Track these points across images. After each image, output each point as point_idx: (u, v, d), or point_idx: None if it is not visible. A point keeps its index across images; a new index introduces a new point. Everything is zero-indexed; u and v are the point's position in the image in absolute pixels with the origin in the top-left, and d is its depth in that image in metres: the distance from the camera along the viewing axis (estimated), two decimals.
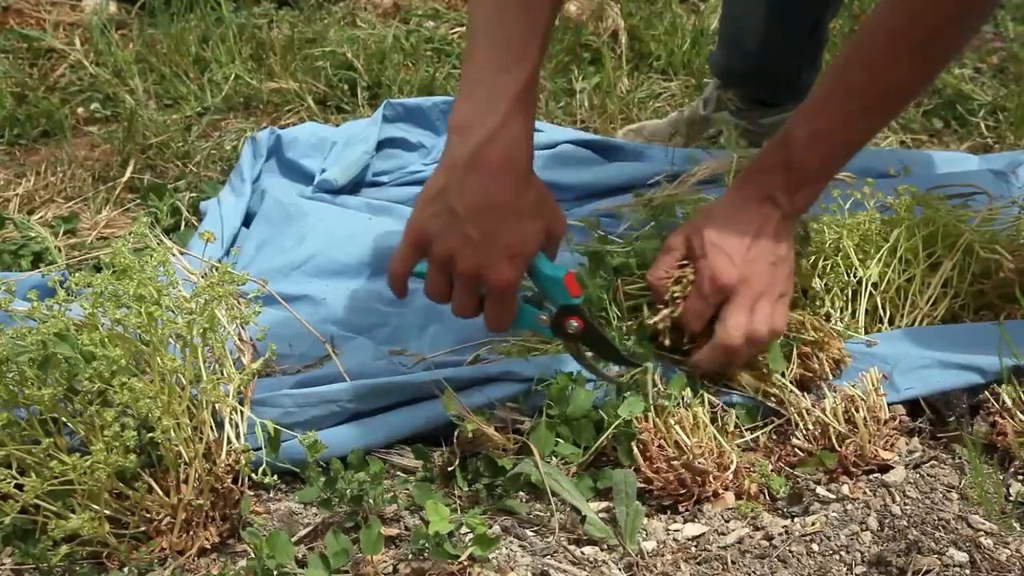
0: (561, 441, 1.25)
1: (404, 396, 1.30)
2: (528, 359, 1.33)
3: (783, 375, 1.31)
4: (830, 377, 1.34)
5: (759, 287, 1.27)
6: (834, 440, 1.25)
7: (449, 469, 1.24)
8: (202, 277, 1.33)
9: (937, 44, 1.27)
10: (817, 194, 1.33)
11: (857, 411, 1.26)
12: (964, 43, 1.40)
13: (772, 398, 1.31)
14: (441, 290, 1.23)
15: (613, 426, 1.23)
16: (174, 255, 1.34)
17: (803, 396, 1.30)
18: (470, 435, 1.23)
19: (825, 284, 1.46)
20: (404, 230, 1.24)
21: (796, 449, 1.27)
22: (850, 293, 1.46)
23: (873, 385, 1.29)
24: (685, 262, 1.32)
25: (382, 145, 2.05)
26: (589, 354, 1.29)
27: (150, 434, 1.09)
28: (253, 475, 1.16)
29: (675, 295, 1.31)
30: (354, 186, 1.96)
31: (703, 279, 1.28)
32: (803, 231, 1.46)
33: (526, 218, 1.20)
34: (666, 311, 1.31)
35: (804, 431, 1.28)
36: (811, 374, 1.34)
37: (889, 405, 1.30)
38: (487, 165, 1.18)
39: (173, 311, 1.16)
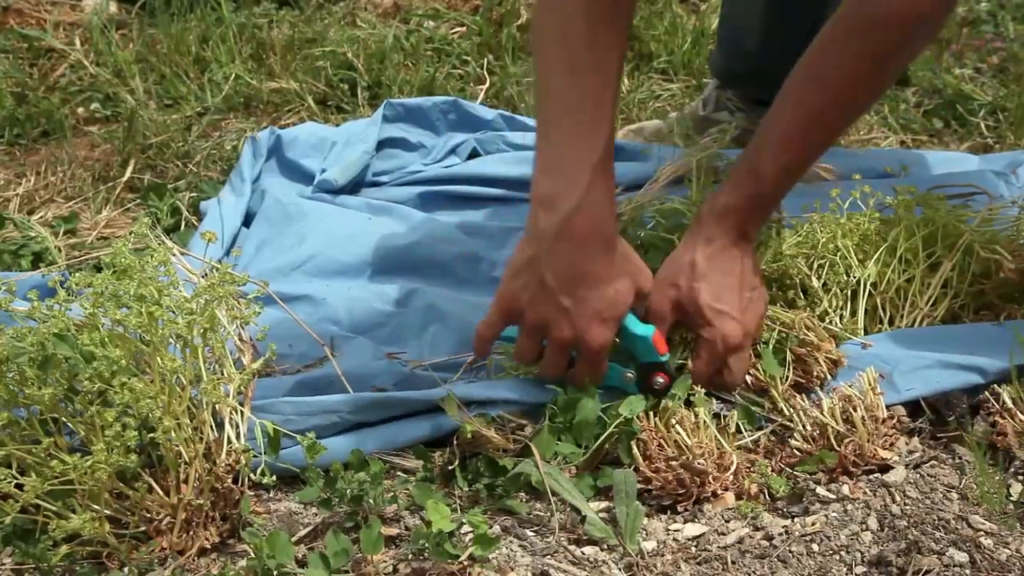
0: (561, 440, 1.25)
1: (405, 410, 1.30)
2: (543, 386, 1.31)
3: (781, 381, 1.31)
4: (828, 378, 1.34)
5: (755, 328, 1.33)
6: (833, 440, 1.25)
7: (449, 469, 1.24)
8: (202, 277, 1.33)
9: (894, 61, 1.30)
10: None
11: (855, 410, 1.26)
12: (915, 57, 1.42)
13: (768, 406, 1.32)
14: (532, 355, 1.28)
15: (614, 424, 1.23)
16: (174, 255, 1.34)
17: (800, 399, 1.30)
18: (469, 436, 1.23)
19: (824, 284, 1.46)
20: (494, 300, 1.28)
21: (795, 450, 1.27)
22: (849, 293, 1.46)
23: (870, 384, 1.29)
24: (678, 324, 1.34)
25: (382, 145, 2.05)
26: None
27: (151, 434, 1.09)
28: (253, 475, 1.16)
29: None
30: (354, 186, 1.96)
31: (715, 345, 1.29)
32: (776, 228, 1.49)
33: (615, 281, 1.23)
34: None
35: (803, 431, 1.28)
36: (807, 377, 1.34)
37: (889, 406, 1.30)
38: (575, 235, 1.21)
39: (174, 311, 1.16)
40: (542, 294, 1.22)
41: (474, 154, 2.05)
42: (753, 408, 1.31)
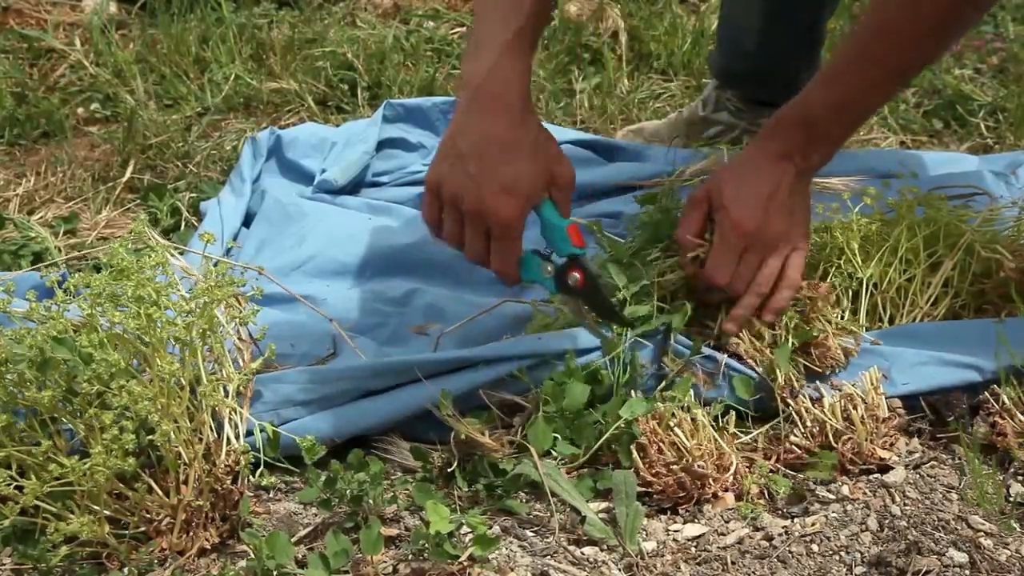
0: (560, 440, 1.25)
1: (417, 376, 1.30)
2: (540, 337, 1.34)
3: (793, 370, 1.32)
4: (840, 365, 1.34)
5: (775, 237, 1.34)
6: (831, 438, 1.25)
7: (449, 469, 1.24)
8: (202, 277, 1.33)
9: (960, 13, 1.30)
10: (831, 155, 1.38)
11: (855, 409, 1.26)
12: (983, 13, 1.43)
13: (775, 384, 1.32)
14: (454, 233, 1.31)
15: (614, 426, 1.23)
16: (173, 255, 1.34)
17: (803, 391, 1.30)
18: (464, 438, 1.23)
19: (831, 284, 1.47)
20: (424, 184, 1.32)
21: (794, 446, 1.27)
22: (850, 294, 1.46)
23: (872, 384, 1.29)
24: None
25: (382, 145, 2.05)
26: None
27: (150, 436, 1.09)
28: (252, 476, 1.16)
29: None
30: (354, 186, 1.96)
31: (725, 228, 1.33)
32: None
33: (523, 155, 1.26)
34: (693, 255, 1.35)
35: (802, 428, 1.28)
36: (822, 361, 1.34)
37: (886, 399, 1.30)
38: (482, 103, 1.27)
39: (172, 311, 1.16)
40: (456, 165, 1.26)
41: None
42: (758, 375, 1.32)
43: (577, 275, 1.28)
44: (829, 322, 1.37)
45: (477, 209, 1.25)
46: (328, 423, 1.25)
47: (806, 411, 1.28)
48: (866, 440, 1.24)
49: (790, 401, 1.30)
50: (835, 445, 1.24)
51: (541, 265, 1.30)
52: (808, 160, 1.36)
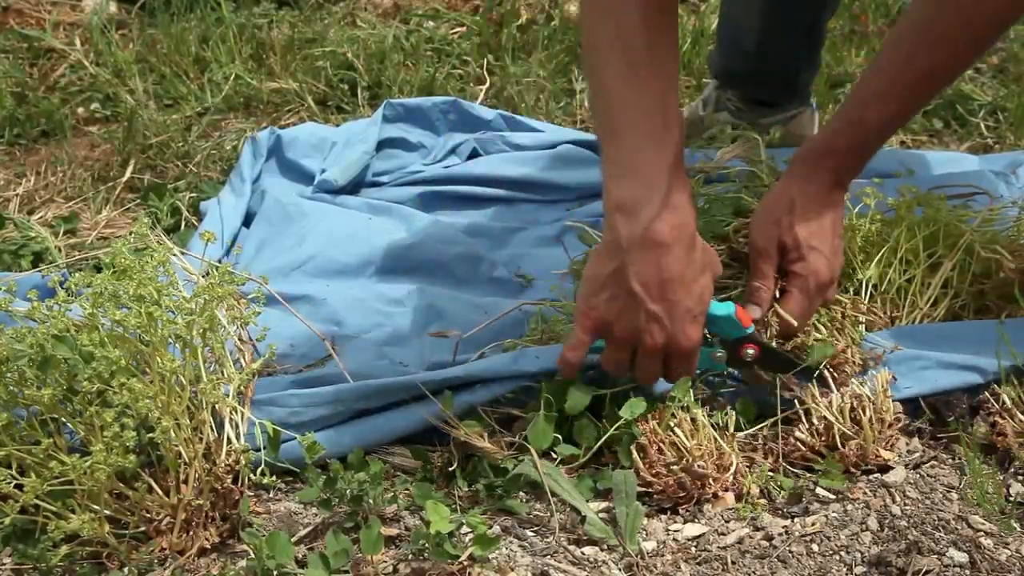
0: (560, 441, 1.25)
1: (407, 395, 1.30)
2: (538, 356, 1.33)
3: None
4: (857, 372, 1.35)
5: (838, 274, 1.37)
6: (838, 440, 1.24)
7: (449, 469, 1.24)
8: (202, 277, 1.33)
9: (1008, 17, 1.31)
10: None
11: (864, 411, 1.25)
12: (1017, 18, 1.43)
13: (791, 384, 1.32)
14: (623, 365, 1.24)
15: (615, 426, 1.23)
16: (174, 255, 1.34)
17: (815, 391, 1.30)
18: (463, 439, 1.23)
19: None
20: (576, 320, 1.23)
21: (799, 443, 1.26)
22: (851, 294, 1.46)
23: (882, 387, 1.28)
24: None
25: (382, 145, 2.05)
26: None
27: (150, 434, 1.09)
28: (252, 475, 1.16)
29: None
30: (354, 186, 1.96)
31: (807, 281, 1.32)
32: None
33: (700, 278, 1.22)
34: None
35: (808, 426, 1.27)
36: (841, 371, 1.34)
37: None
38: (660, 241, 1.18)
39: (173, 311, 1.16)
40: (631, 305, 1.19)
41: (474, 154, 2.05)
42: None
43: (752, 350, 1.27)
44: (853, 339, 1.36)
45: (663, 344, 1.20)
46: (323, 443, 1.24)
47: (814, 408, 1.28)
48: (872, 443, 1.24)
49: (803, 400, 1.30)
50: (841, 447, 1.24)
51: (710, 354, 1.28)
52: (852, 179, 1.39)
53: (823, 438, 1.26)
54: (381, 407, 1.30)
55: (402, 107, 2.12)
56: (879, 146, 1.39)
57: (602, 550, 1.13)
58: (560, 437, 1.25)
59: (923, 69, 1.31)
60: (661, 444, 1.22)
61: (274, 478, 1.17)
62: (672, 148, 1.20)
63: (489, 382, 1.30)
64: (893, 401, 1.31)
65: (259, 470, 1.16)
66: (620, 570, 1.11)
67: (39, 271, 1.70)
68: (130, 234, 1.34)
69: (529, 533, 1.16)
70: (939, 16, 1.29)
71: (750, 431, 1.29)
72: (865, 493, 1.20)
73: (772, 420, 1.29)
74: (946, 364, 1.34)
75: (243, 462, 1.16)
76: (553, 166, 1.97)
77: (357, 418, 1.30)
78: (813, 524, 1.16)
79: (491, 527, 1.16)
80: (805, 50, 1.99)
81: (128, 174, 2.07)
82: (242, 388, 1.24)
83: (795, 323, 1.32)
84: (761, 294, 1.33)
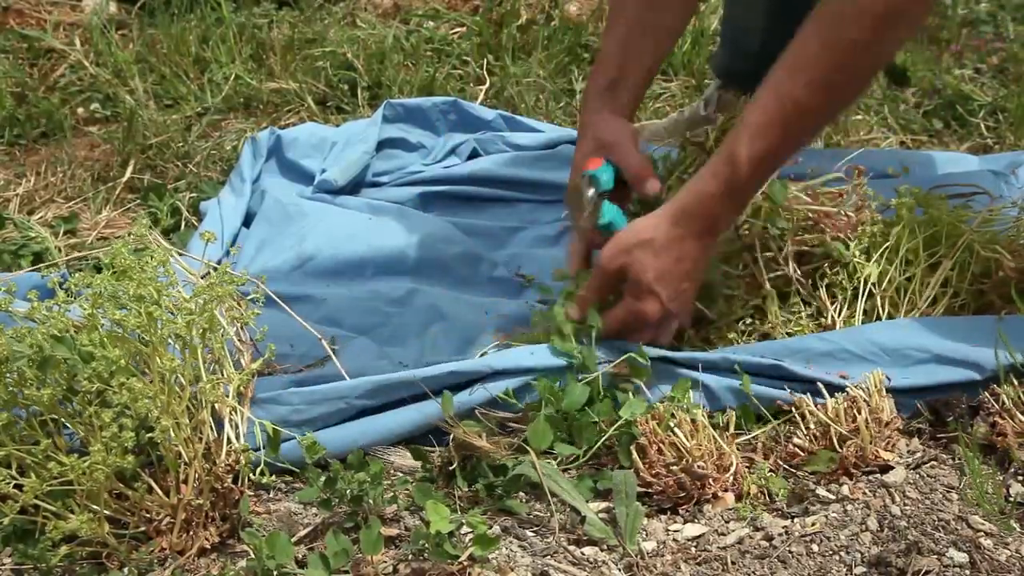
0: (559, 441, 1.25)
1: (408, 392, 1.30)
2: (533, 352, 1.34)
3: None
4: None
5: (677, 311, 1.38)
6: (835, 441, 1.25)
7: (450, 469, 1.24)
8: (202, 278, 1.33)
9: (870, 50, 1.29)
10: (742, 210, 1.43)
11: (859, 413, 1.25)
12: (895, 48, 1.42)
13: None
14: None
15: (615, 426, 1.23)
16: (173, 256, 1.34)
17: (808, 400, 1.30)
18: (462, 439, 1.23)
19: (827, 285, 1.47)
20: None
21: (797, 448, 1.27)
22: (849, 294, 1.46)
23: (876, 386, 1.28)
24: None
25: (382, 145, 2.05)
26: None
27: (149, 434, 1.09)
28: (252, 475, 1.16)
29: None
30: (354, 186, 1.96)
31: (629, 316, 1.36)
32: (736, 232, 1.51)
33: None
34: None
35: (805, 430, 1.28)
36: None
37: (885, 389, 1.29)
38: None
39: (173, 312, 1.16)
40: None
41: (474, 154, 2.05)
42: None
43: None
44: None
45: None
46: (324, 442, 1.25)
47: (810, 413, 1.28)
48: (870, 444, 1.24)
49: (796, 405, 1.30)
50: (839, 449, 1.24)
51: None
52: (730, 221, 1.41)
53: (821, 442, 1.26)
54: (382, 406, 1.30)
55: (402, 107, 2.12)
56: (759, 182, 1.36)
57: (602, 550, 1.13)
58: (561, 432, 1.26)
59: (789, 100, 1.29)
60: (661, 444, 1.22)
61: (274, 478, 1.17)
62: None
63: (488, 377, 1.30)
64: (888, 391, 1.30)
65: (259, 470, 1.16)
66: (620, 570, 1.11)
67: (38, 269, 1.70)
68: (129, 234, 1.34)
69: (529, 533, 1.16)
70: (802, 48, 1.30)
71: (750, 435, 1.29)
72: (865, 493, 1.20)
73: (770, 425, 1.30)
74: (944, 359, 1.34)
75: (243, 462, 1.16)
76: (552, 166, 1.97)
77: (358, 417, 1.30)
78: (813, 524, 1.16)
79: (491, 527, 1.16)
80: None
81: (128, 174, 2.07)
82: (242, 388, 1.24)
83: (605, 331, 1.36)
84: (582, 301, 1.39)
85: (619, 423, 1.23)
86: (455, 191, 1.94)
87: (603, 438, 1.24)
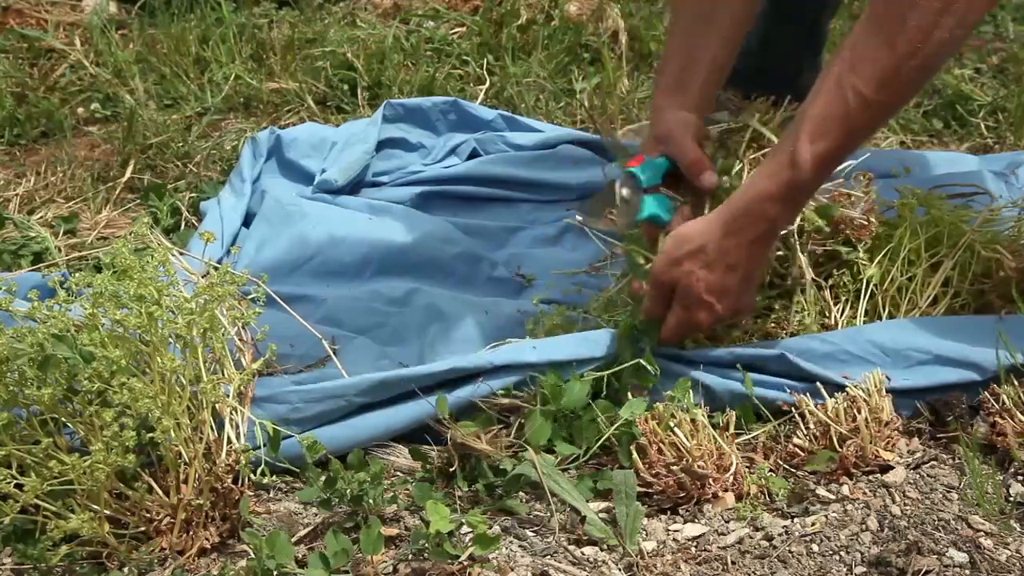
0: (559, 441, 1.25)
1: (407, 389, 1.30)
2: (535, 347, 1.33)
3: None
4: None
5: (730, 316, 1.36)
6: (835, 441, 1.25)
7: (450, 469, 1.24)
8: (202, 278, 1.33)
9: (933, 37, 1.22)
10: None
11: (859, 412, 1.25)
12: (963, 34, 1.36)
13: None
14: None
15: (615, 426, 1.23)
16: (174, 255, 1.34)
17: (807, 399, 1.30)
18: (460, 440, 1.23)
19: (832, 286, 1.47)
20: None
21: (797, 448, 1.27)
22: (852, 295, 1.46)
23: (876, 386, 1.28)
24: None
25: (382, 145, 2.05)
26: None
27: (150, 434, 1.09)
28: (252, 475, 1.16)
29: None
30: (354, 186, 1.96)
31: (684, 326, 1.34)
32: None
33: None
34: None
35: (805, 430, 1.28)
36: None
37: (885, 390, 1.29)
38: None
39: (173, 311, 1.16)
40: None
41: (474, 154, 2.05)
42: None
43: None
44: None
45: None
46: (323, 439, 1.25)
47: (810, 413, 1.28)
48: (870, 443, 1.24)
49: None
50: (839, 449, 1.24)
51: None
52: (789, 223, 1.37)
53: (821, 442, 1.26)
54: (381, 403, 1.30)
55: (402, 107, 2.12)
56: (817, 187, 1.31)
57: (602, 550, 1.13)
58: (561, 430, 1.26)
59: (856, 94, 1.23)
60: (661, 444, 1.22)
61: (274, 478, 1.17)
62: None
63: (489, 373, 1.30)
64: (888, 391, 1.30)
65: (259, 470, 1.16)
66: (620, 570, 1.11)
67: (38, 269, 1.70)
68: (129, 234, 1.34)
69: (529, 533, 1.16)
70: (863, 33, 1.25)
71: (750, 435, 1.29)
72: (865, 493, 1.20)
73: (770, 425, 1.30)
74: (944, 359, 1.34)
75: (243, 462, 1.16)
76: (552, 166, 1.97)
77: (357, 415, 1.30)
78: (813, 524, 1.16)
79: (491, 527, 1.16)
80: (808, 51, 1.99)
81: (128, 174, 2.07)
82: (242, 388, 1.24)
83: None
84: (647, 312, 1.37)
85: (619, 423, 1.23)
86: (455, 191, 1.94)
87: (603, 438, 1.24)
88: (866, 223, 1.45)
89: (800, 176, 1.25)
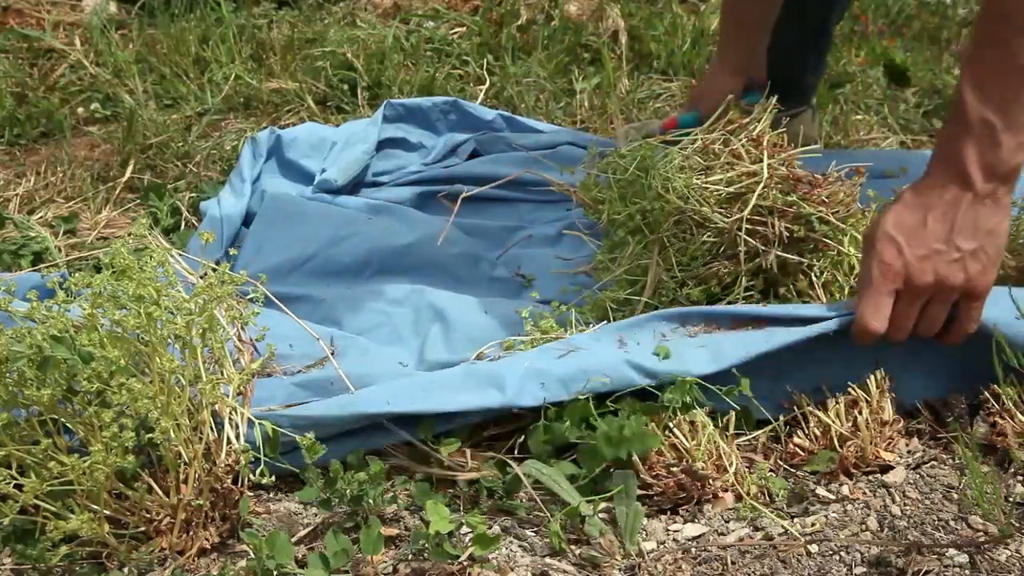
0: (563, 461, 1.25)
1: (385, 419, 1.26)
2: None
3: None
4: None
5: (935, 283, 1.23)
6: (835, 441, 1.25)
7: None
8: (201, 278, 1.33)
9: None
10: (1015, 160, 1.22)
11: (860, 413, 1.26)
12: None
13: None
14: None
15: (620, 450, 1.21)
16: (173, 256, 1.34)
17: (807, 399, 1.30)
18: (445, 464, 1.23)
19: (824, 284, 1.47)
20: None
21: (797, 448, 1.27)
22: (847, 294, 1.46)
23: (877, 386, 1.28)
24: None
25: (382, 145, 2.05)
26: None
27: (149, 435, 1.09)
28: (252, 476, 1.16)
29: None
30: (354, 186, 1.96)
31: (867, 272, 1.24)
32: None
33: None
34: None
35: (805, 430, 1.28)
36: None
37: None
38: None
39: (173, 312, 1.16)
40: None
41: (474, 154, 2.05)
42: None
43: None
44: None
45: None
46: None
47: (810, 413, 1.28)
48: (870, 444, 1.24)
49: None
50: (839, 449, 1.24)
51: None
52: (995, 169, 1.20)
53: (821, 442, 1.26)
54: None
55: (402, 107, 2.12)
56: (1008, 120, 1.19)
57: (602, 550, 1.13)
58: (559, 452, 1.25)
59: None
60: (661, 445, 1.22)
61: (273, 479, 1.17)
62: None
63: (470, 414, 1.26)
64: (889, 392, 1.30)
65: (259, 471, 1.15)
66: (620, 570, 1.11)
67: (38, 270, 1.70)
68: (128, 234, 1.34)
69: (529, 533, 1.16)
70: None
71: (750, 435, 1.29)
72: (865, 493, 1.20)
73: (771, 426, 1.30)
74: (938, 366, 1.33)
75: (243, 462, 1.16)
76: (553, 166, 1.97)
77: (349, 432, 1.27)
78: (813, 524, 1.16)
79: (491, 527, 1.16)
80: (813, 52, 1.99)
81: (128, 174, 2.07)
82: (242, 388, 1.24)
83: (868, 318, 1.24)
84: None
85: (624, 448, 1.21)
86: (456, 191, 1.94)
87: (609, 459, 1.22)
88: (819, 182, 1.41)
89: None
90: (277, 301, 1.47)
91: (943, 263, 1.22)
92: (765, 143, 1.43)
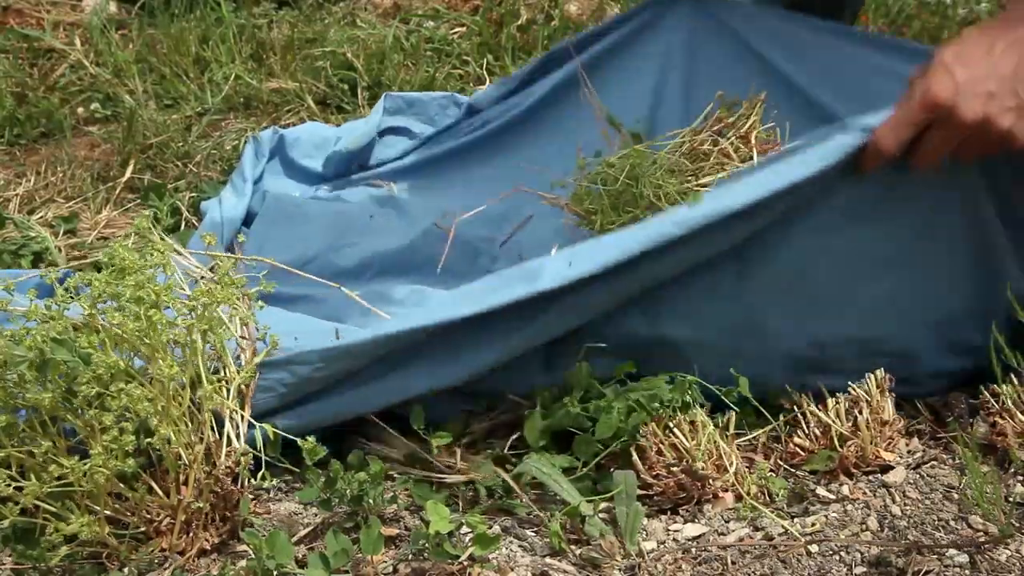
0: (559, 455, 1.25)
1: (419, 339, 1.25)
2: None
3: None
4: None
5: (970, 123, 1.16)
6: (835, 441, 1.25)
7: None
8: (200, 279, 1.33)
9: None
10: None
11: (860, 413, 1.26)
12: None
13: None
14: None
15: (618, 440, 1.22)
16: (175, 253, 1.34)
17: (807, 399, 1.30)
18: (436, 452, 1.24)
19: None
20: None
21: (797, 448, 1.27)
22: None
23: (878, 386, 1.28)
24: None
25: (384, 134, 2.05)
26: None
27: (148, 440, 1.09)
28: (252, 479, 1.16)
29: None
30: (359, 167, 1.96)
31: (912, 95, 1.18)
32: None
33: None
34: None
35: (805, 430, 1.28)
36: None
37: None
38: None
39: (173, 312, 1.16)
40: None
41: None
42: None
43: None
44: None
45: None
46: (350, 403, 1.23)
47: (811, 413, 1.28)
48: (870, 444, 1.24)
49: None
50: (839, 448, 1.24)
51: None
52: None
53: (821, 442, 1.26)
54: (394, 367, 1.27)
55: (402, 100, 2.13)
56: None
57: (602, 550, 1.13)
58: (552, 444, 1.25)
59: None
60: (661, 445, 1.22)
61: (273, 481, 1.17)
62: None
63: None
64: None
65: (260, 475, 1.15)
66: (620, 570, 1.11)
67: (37, 272, 1.70)
68: (128, 235, 1.34)
69: (529, 533, 1.16)
70: None
71: (750, 435, 1.29)
72: (865, 493, 1.20)
73: (771, 426, 1.30)
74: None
75: (243, 464, 1.16)
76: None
77: (373, 379, 1.27)
78: (813, 524, 1.16)
79: (491, 527, 1.16)
80: None
81: (128, 174, 2.07)
82: (243, 387, 1.23)
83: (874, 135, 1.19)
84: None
85: (621, 440, 1.22)
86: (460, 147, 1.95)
87: (604, 453, 1.22)
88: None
89: None
90: (277, 303, 1.47)
91: (995, 106, 1.14)
92: (753, 140, 1.43)
